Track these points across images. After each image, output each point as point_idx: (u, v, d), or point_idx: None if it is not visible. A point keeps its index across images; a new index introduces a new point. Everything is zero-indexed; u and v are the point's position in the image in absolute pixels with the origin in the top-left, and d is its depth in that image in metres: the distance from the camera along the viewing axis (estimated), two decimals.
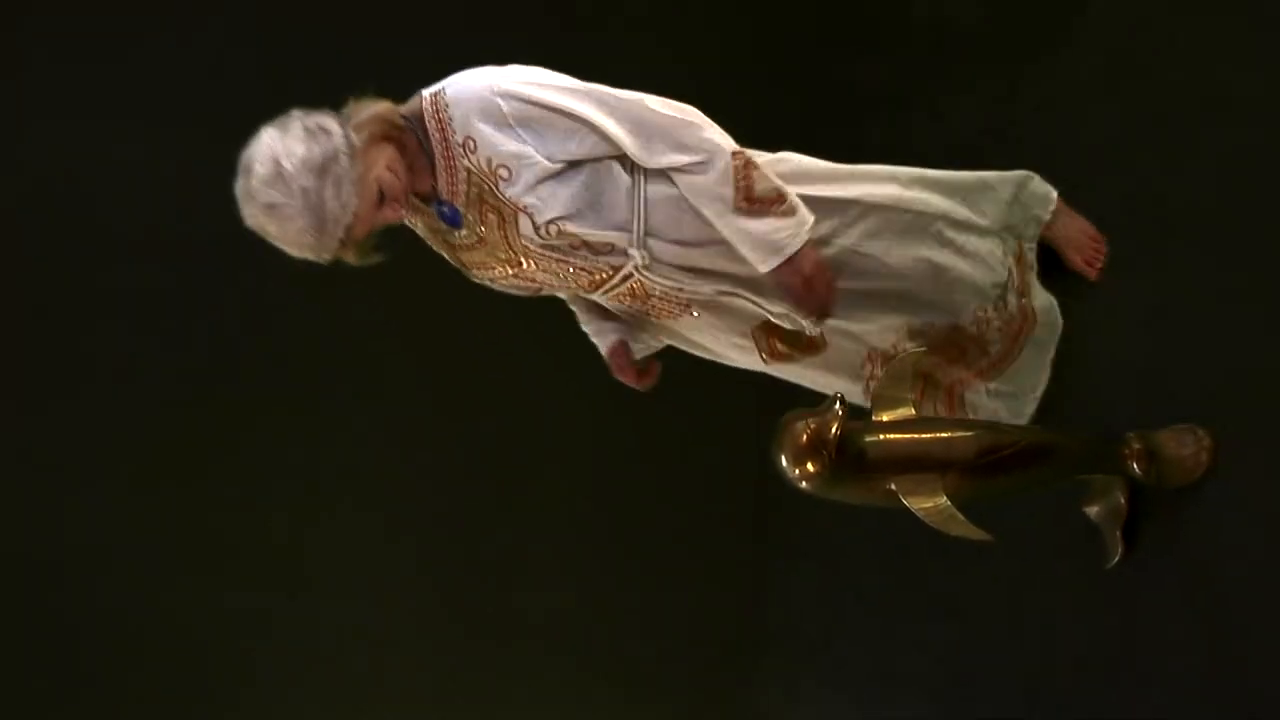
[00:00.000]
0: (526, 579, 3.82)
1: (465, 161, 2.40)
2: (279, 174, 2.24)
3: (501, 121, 2.37)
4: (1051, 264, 2.85)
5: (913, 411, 2.43)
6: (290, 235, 2.29)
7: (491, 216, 2.44)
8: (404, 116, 2.42)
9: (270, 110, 2.32)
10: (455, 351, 3.71)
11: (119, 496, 3.57)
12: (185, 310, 3.58)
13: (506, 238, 2.45)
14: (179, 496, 3.57)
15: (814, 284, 2.50)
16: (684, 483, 3.83)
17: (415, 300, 3.40)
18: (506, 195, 2.40)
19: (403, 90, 2.46)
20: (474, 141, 2.38)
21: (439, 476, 3.77)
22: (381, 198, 2.36)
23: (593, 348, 2.77)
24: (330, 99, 2.37)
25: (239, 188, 2.29)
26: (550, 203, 2.39)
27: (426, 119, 2.40)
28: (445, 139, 2.39)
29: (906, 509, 2.33)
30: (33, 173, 3.48)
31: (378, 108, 2.38)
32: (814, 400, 2.41)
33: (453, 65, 2.46)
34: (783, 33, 3.84)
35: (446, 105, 2.38)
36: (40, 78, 3.51)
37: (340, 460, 3.69)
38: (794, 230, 2.46)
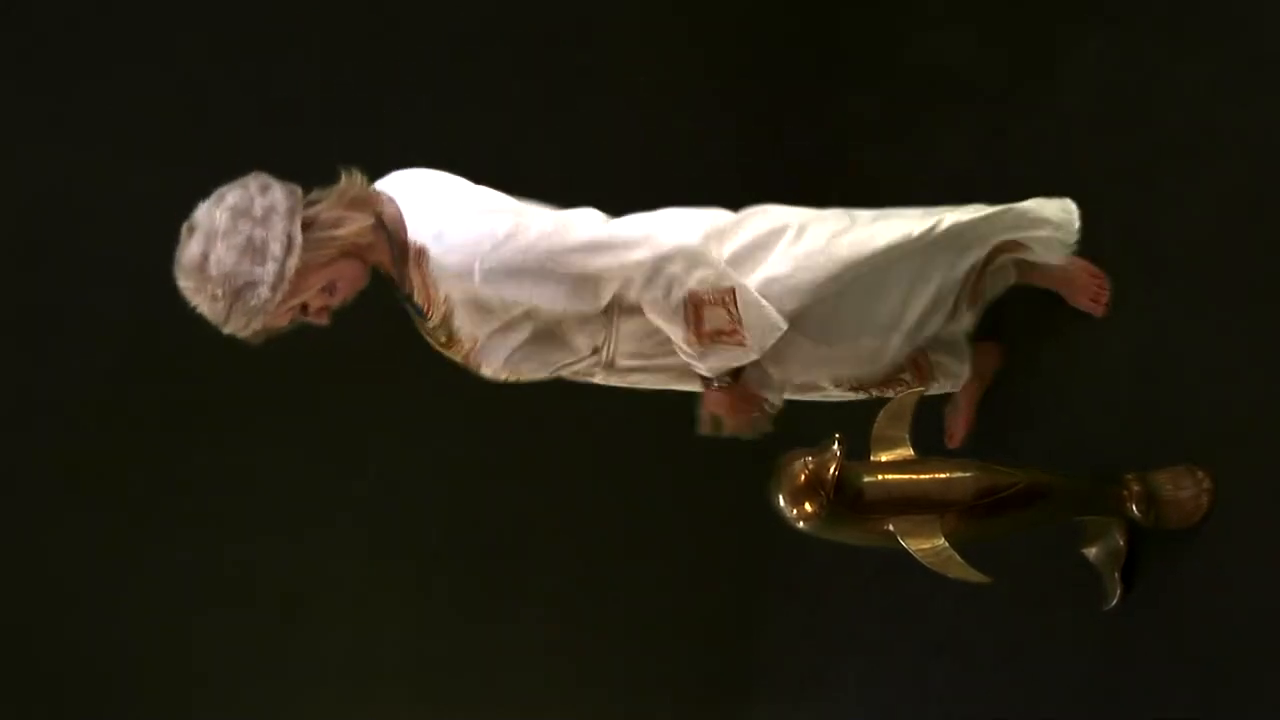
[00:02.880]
0: (520, 608, 3.81)
1: (440, 294, 2.44)
2: (203, 263, 2.25)
3: (477, 292, 2.41)
4: (1043, 309, 2.82)
5: (911, 452, 2.42)
6: (208, 311, 2.30)
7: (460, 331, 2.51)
8: (382, 222, 2.40)
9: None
10: (454, 375, 3.69)
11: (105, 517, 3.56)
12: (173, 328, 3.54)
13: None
14: (167, 512, 3.58)
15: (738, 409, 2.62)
16: (679, 517, 3.82)
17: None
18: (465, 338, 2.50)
19: (396, 110, 2.40)
20: (451, 297, 2.44)
21: (438, 504, 3.76)
22: (305, 308, 2.37)
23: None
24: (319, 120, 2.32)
25: (177, 251, 2.30)
26: (498, 353, 2.51)
27: (410, 261, 2.40)
28: (425, 283, 2.43)
29: (904, 550, 2.32)
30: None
31: (348, 227, 2.34)
32: (812, 441, 2.38)
33: (444, 103, 2.40)
34: (777, 73, 3.86)
35: (429, 262, 2.39)
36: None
37: (341, 481, 3.68)
38: (739, 358, 2.55)
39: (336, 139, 3.18)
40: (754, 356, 2.55)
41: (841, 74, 3.76)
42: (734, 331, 2.50)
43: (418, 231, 2.38)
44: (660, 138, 3.80)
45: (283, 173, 2.37)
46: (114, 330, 3.52)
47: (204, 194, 2.33)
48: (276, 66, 3.59)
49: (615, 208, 2.61)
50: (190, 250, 2.26)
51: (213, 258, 2.23)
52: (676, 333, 2.50)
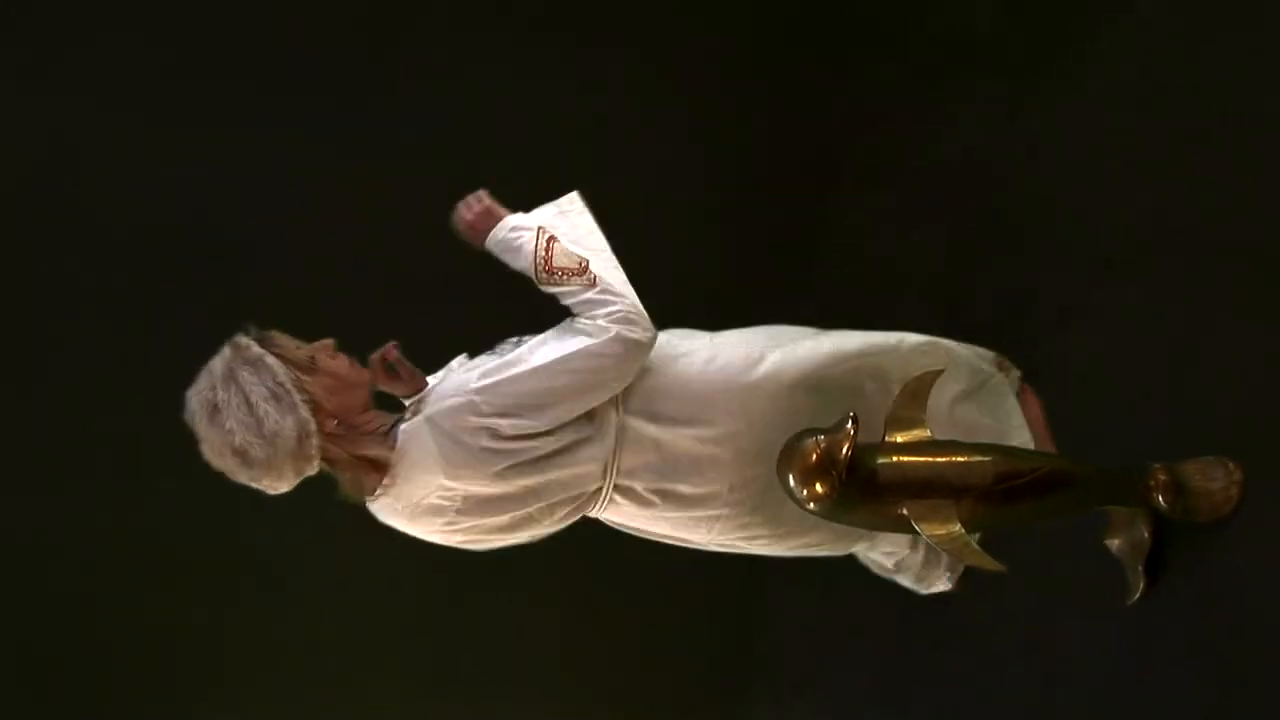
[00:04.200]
0: (518, 605, 3.77)
1: None
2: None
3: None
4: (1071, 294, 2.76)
5: (928, 433, 2.36)
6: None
7: None
8: None
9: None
10: None
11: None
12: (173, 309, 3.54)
13: None
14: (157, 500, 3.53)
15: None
16: None
17: None
18: None
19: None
20: None
21: None
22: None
23: None
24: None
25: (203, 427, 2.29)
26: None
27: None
28: None
29: (918, 534, 2.27)
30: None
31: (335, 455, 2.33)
32: None
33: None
34: (789, 45, 3.81)
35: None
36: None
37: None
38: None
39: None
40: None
41: (863, 44, 3.69)
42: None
43: None
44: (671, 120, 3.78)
45: None
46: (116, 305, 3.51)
47: None
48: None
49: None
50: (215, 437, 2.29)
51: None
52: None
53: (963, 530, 2.26)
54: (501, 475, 2.33)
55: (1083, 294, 2.79)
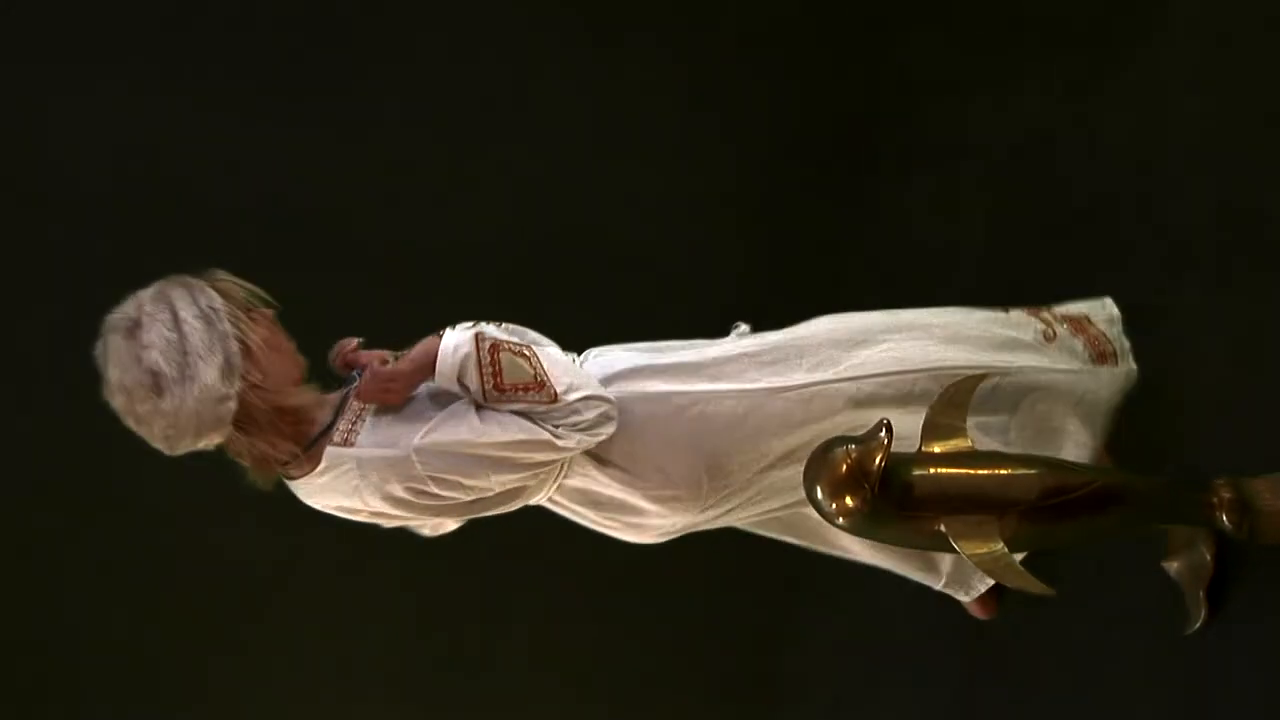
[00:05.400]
0: (541, 615, 3.72)
1: None
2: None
3: None
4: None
5: (969, 443, 2.23)
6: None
7: None
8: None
9: None
10: None
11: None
12: None
13: None
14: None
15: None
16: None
17: None
18: None
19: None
20: None
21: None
22: None
23: None
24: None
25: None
26: None
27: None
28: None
29: (956, 553, 2.15)
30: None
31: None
32: None
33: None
34: (827, 16, 3.70)
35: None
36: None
37: None
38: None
39: None
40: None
41: (907, 14, 3.56)
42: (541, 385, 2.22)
43: None
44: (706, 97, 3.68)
45: None
46: None
47: None
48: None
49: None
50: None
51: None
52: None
53: (1006, 549, 2.13)
54: (427, 510, 2.26)
55: (1142, 292, 2.66)
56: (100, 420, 3.35)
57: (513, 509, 2.37)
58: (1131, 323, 2.64)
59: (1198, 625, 2.39)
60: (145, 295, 2.09)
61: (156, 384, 2.03)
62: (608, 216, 3.57)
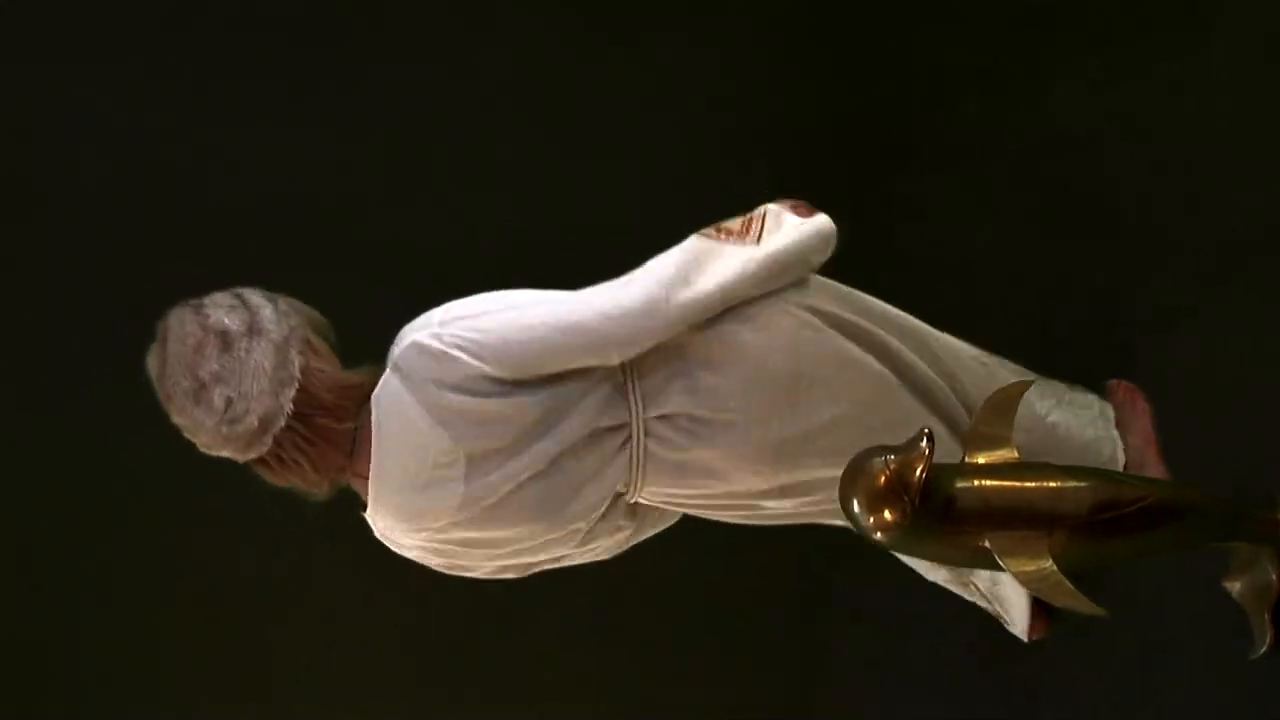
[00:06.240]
0: (566, 630, 3.65)
1: None
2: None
3: None
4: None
5: (1015, 454, 2.16)
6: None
7: None
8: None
9: None
10: None
11: None
12: None
13: None
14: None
15: None
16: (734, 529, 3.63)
17: None
18: None
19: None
20: None
21: None
22: None
23: None
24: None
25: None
26: None
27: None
28: None
29: (1002, 571, 2.10)
30: None
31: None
32: None
33: None
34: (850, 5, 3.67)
35: None
36: None
37: None
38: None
39: None
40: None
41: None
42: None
43: None
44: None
45: None
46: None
47: None
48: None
49: None
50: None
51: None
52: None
53: (1055, 567, 2.05)
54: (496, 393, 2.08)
55: (1191, 293, 2.63)
56: (98, 420, 3.44)
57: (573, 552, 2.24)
58: (1180, 327, 2.60)
59: (1264, 649, 2.32)
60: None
61: (226, 339, 2.03)
62: (617, 216, 3.52)
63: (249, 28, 3.52)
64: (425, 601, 3.52)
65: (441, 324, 2.10)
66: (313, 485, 2.13)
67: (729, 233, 2.21)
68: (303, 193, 3.50)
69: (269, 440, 2.05)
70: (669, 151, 3.47)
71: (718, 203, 3.55)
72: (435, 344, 2.06)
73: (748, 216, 2.23)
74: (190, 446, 3.38)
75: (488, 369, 2.06)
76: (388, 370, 2.11)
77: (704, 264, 2.17)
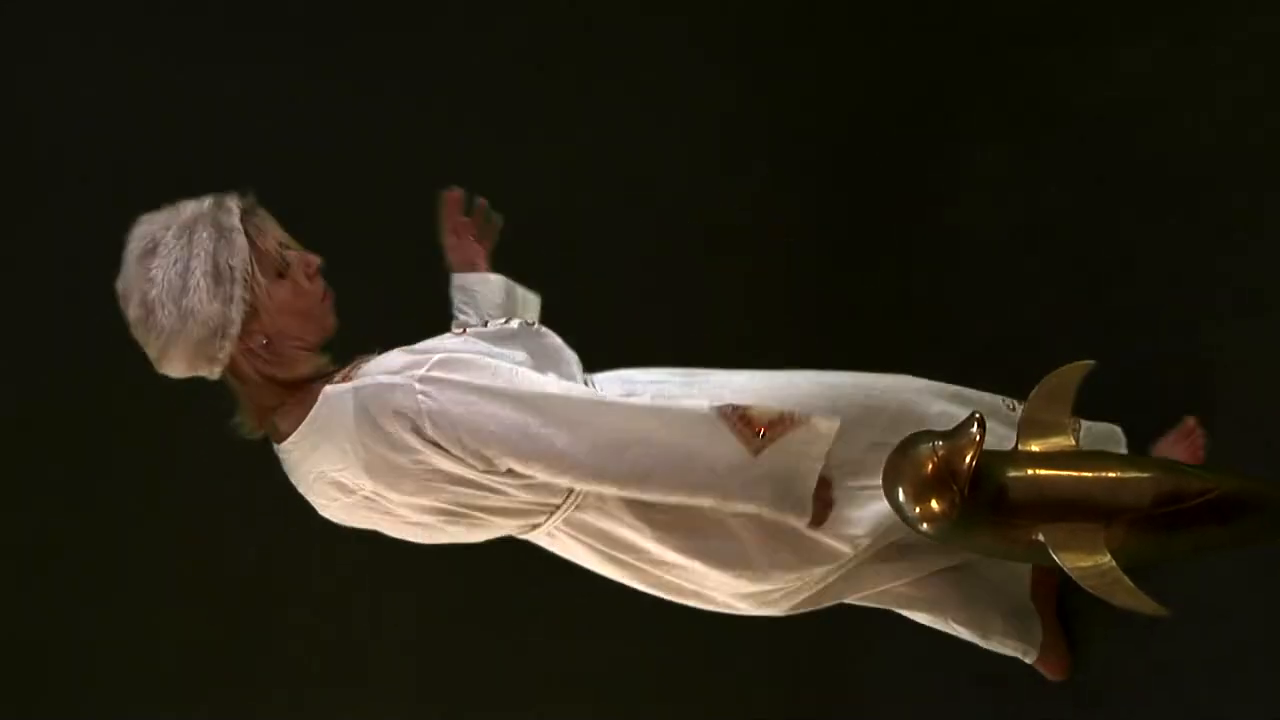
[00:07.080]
0: (588, 645, 3.56)
1: None
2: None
3: None
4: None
5: (1072, 442, 2.10)
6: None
7: None
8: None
9: None
10: None
11: None
12: None
13: None
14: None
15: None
16: None
17: None
18: None
19: None
20: None
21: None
22: None
23: None
24: None
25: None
26: None
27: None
28: None
29: (1055, 565, 1.99)
30: None
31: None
32: None
33: None
34: None
35: None
36: None
37: None
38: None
39: None
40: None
41: None
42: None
43: None
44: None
45: None
46: None
47: None
48: None
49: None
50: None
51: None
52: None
53: (1113, 562, 1.98)
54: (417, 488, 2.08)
55: (1276, 275, 2.48)
56: (98, 420, 3.47)
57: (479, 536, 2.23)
58: (1263, 311, 2.49)
59: None
60: (180, 219, 2.09)
61: (149, 321, 2.06)
62: (617, 216, 3.53)
63: (249, 28, 3.54)
64: (426, 602, 3.54)
65: (423, 381, 2.02)
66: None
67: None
68: (303, 192, 3.48)
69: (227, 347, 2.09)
70: (669, 151, 3.44)
71: (718, 203, 3.52)
72: (409, 401, 2.01)
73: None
74: (190, 447, 3.38)
75: (446, 448, 2.03)
76: (349, 389, 2.06)
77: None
